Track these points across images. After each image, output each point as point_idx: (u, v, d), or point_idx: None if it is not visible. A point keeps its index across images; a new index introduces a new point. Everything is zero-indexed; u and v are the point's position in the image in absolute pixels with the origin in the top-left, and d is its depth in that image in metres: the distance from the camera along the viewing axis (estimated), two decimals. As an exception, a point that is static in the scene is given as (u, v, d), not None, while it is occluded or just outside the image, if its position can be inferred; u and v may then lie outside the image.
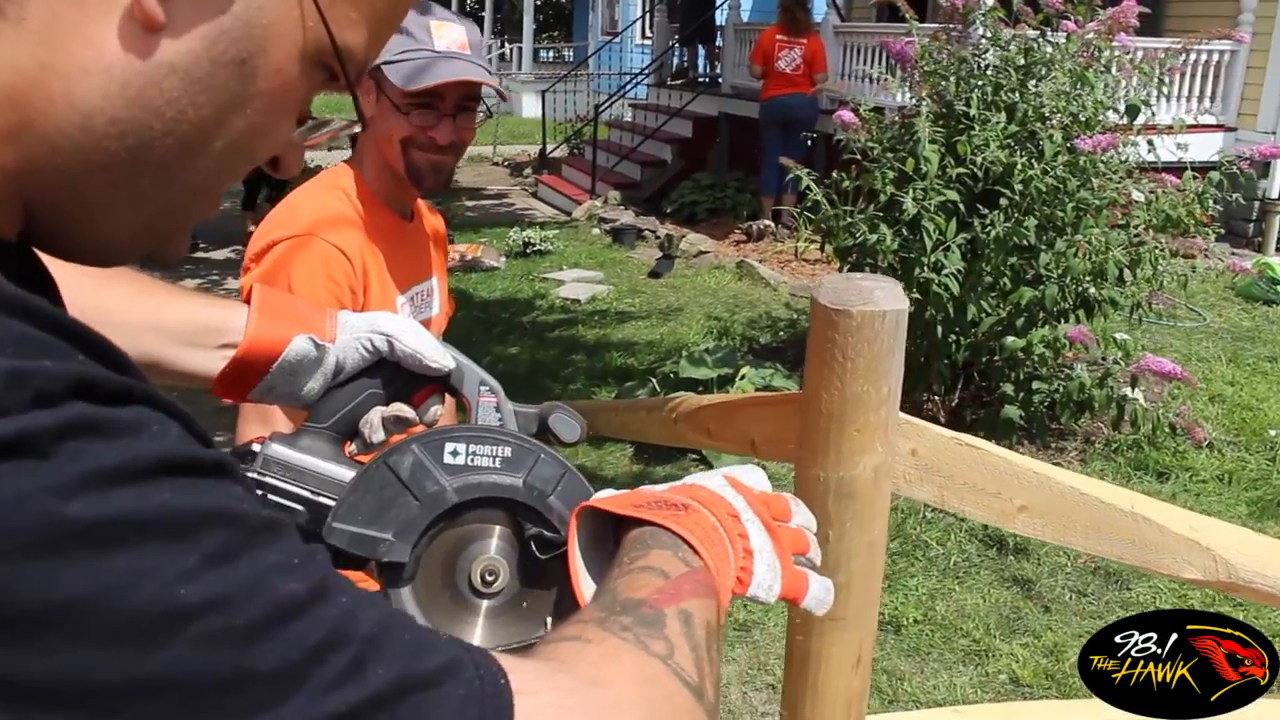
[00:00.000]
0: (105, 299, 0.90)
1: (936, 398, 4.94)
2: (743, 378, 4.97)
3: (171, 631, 0.38)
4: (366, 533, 0.81)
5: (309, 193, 1.76)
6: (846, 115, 4.56)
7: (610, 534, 0.75)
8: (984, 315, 4.49)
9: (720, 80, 12.30)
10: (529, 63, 21.08)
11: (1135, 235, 4.53)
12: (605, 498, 0.76)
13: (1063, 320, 4.51)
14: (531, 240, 9.44)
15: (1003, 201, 4.40)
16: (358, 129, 0.67)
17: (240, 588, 0.40)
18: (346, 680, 0.42)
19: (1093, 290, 4.49)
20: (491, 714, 0.47)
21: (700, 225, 10.21)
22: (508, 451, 0.83)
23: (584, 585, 0.74)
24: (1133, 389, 4.39)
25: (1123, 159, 4.56)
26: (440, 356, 0.90)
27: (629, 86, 13.69)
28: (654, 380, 5.29)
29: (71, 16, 0.48)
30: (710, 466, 4.56)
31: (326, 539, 0.81)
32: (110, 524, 0.37)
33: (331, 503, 0.83)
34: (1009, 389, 4.50)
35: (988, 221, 4.38)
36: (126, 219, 0.55)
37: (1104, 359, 4.38)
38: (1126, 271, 4.53)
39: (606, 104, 12.91)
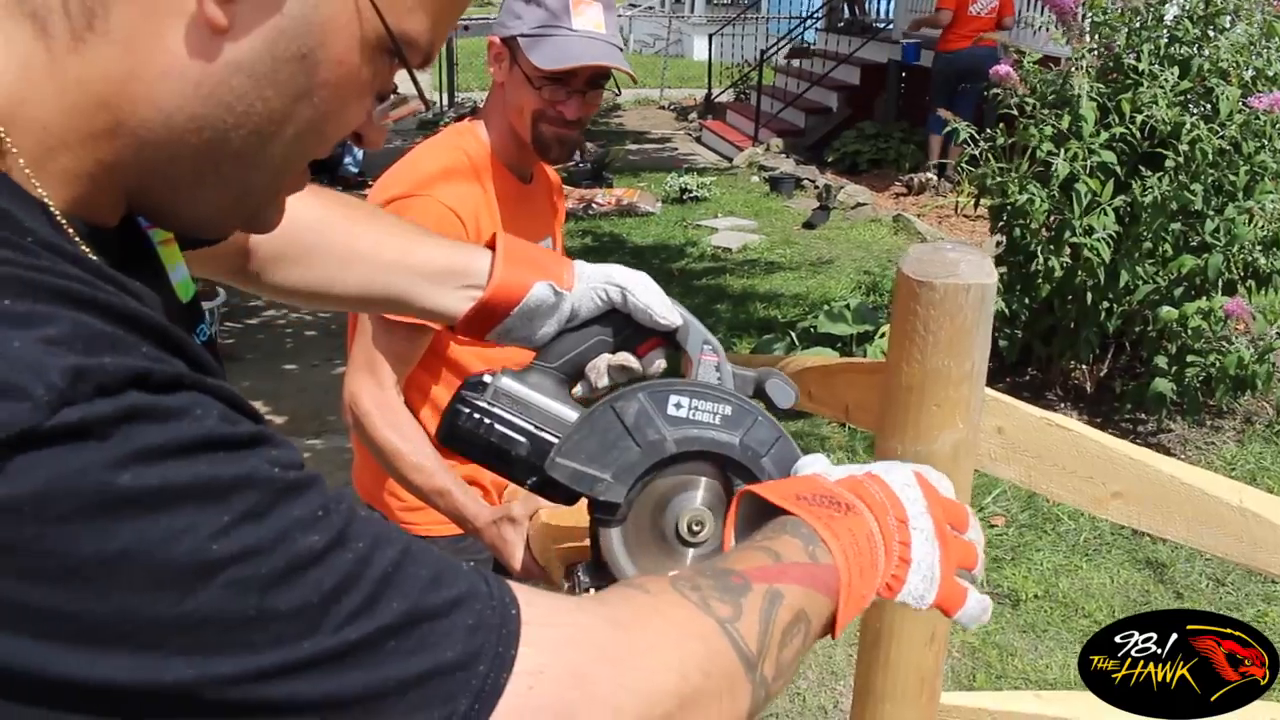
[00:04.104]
0: (355, 238, 0.98)
1: (1084, 366, 4.74)
2: (882, 336, 4.86)
3: (205, 579, 0.45)
4: (587, 470, 0.86)
5: (431, 150, 1.81)
6: (1003, 69, 4.36)
7: (774, 515, 0.77)
8: (1139, 283, 4.26)
9: (891, 26, 11.93)
10: (701, 5, 20.87)
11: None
12: (770, 484, 0.79)
13: (1222, 291, 4.24)
14: (688, 186, 9.42)
15: (1168, 163, 4.15)
16: (425, 111, 0.71)
17: (265, 542, 0.47)
18: (360, 615, 0.49)
19: (1263, 261, 4.21)
20: (495, 641, 0.53)
21: (861, 176, 9.98)
22: (728, 410, 0.87)
23: None
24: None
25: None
26: (669, 312, 0.93)
27: (797, 30, 13.42)
28: (792, 334, 5.24)
29: (147, 26, 0.54)
30: (843, 427, 4.50)
31: (548, 471, 0.87)
32: (155, 492, 0.44)
33: (551, 438, 0.88)
34: (1162, 361, 4.28)
35: (1148, 184, 4.14)
36: (213, 201, 0.62)
37: (1268, 334, 4.10)
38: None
39: (773, 48, 12.70)
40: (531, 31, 1.67)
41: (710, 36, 14.34)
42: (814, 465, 0.85)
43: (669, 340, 0.95)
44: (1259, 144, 4.17)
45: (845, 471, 0.81)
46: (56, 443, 0.42)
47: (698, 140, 12.92)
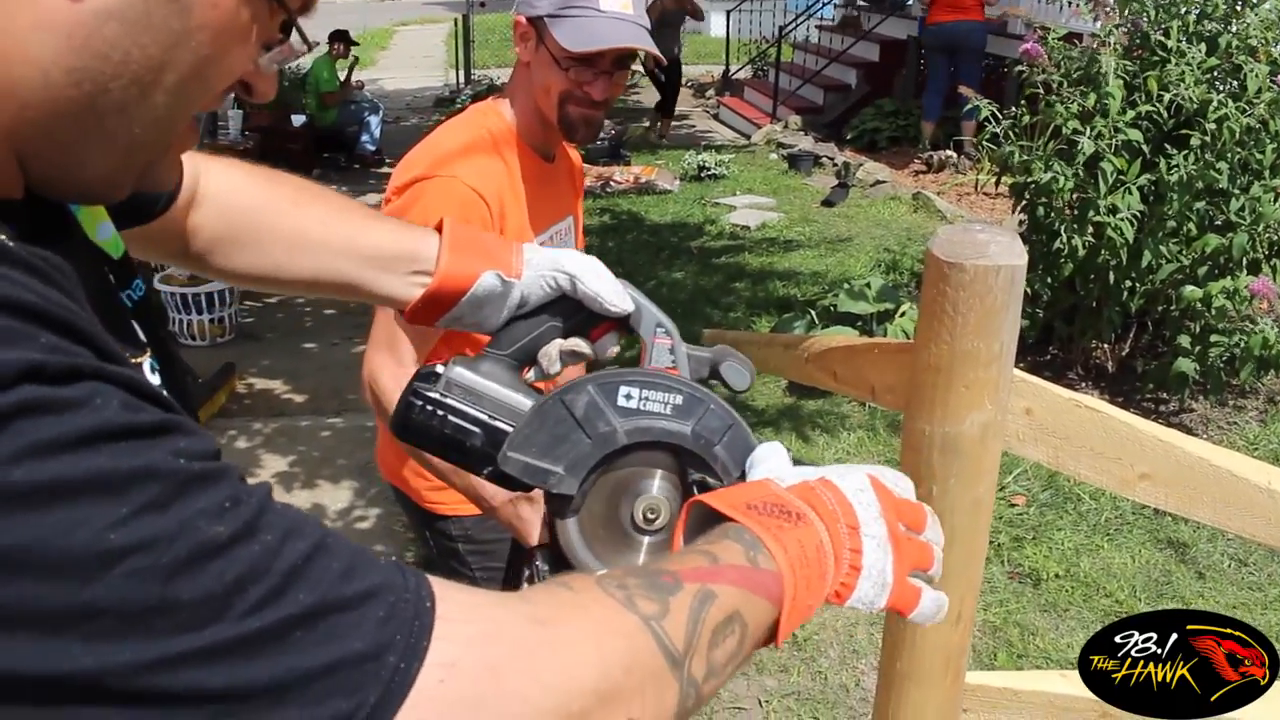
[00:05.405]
0: (302, 220, 0.97)
1: (1106, 346, 4.72)
2: (902, 314, 4.85)
3: (105, 567, 0.45)
4: (539, 464, 0.87)
5: (453, 129, 1.79)
6: (1031, 49, 4.32)
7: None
8: (1163, 262, 4.23)
9: (911, 2, 11.83)
10: (720, -20, 20.71)
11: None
12: (720, 493, 0.77)
13: (1247, 270, 4.21)
14: (706, 164, 9.38)
15: (1194, 141, 4.11)
16: (308, 52, 0.69)
17: (167, 532, 0.47)
18: (265, 605, 0.48)
19: (1288, 240, 4.18)
20: (407, 634, 0.52)
21: (880, 154, 9.93)
22: (679, 399, 0.87)
23: None
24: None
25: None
26: (620, 299, 0.93)
27: (816, 6, 13.31)
28: (812, 312, 5.23)
29: None
30: (863, 406, 4.50)
31: (501, 465, 0.87)
32: (49, 486, 0.44)
33: (506, 427, 0.88)
34: (1185, 341, 4.25)
35: (1173, 163, 4.10)
36: (102, 158, 0.60)
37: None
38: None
39: (792, 24, 12.60)
40: (559, 11, 1.66)
41: (728, 13, 14.22)
42: (771, 455, 0.84)
43: (622, 325, 0.95)
44: (1287, 122, 4.12)
45: (799, 475, 0.80)
46: None
47: (715, 117, 12.86)
